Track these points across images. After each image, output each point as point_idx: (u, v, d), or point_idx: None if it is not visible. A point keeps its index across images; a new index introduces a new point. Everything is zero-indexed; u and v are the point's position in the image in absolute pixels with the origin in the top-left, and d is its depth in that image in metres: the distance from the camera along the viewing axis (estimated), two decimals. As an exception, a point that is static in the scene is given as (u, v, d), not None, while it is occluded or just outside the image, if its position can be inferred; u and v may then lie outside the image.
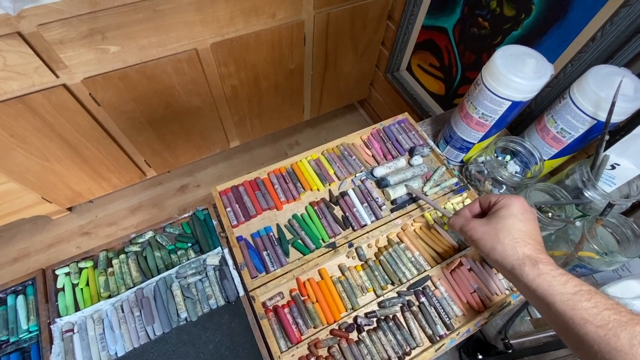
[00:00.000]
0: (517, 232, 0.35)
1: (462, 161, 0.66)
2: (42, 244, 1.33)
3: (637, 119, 0.52)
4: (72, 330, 0.46)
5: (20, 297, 0.48)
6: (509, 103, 0.49)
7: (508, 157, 0.61)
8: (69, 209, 1.39)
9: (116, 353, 0.45)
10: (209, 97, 1.17)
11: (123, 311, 0.47)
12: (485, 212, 0.42)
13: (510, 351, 0.46)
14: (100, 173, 1.23)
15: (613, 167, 0.52)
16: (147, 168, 1.34)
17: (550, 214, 0.51)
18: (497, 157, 0.60)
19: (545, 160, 0.57)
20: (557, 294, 0.30)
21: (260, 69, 1.17)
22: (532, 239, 0.35)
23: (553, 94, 0.76)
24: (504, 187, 0.58)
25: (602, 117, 0.47)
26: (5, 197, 1.13)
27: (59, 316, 0.46)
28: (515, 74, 0.46)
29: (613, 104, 0.44)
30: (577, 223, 0.44)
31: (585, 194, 0.52)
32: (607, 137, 0.48)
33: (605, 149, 0.51)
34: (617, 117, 0.47)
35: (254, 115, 1.37)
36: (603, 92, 0.46)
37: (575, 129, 0.51)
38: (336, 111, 1.73)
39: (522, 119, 0.82)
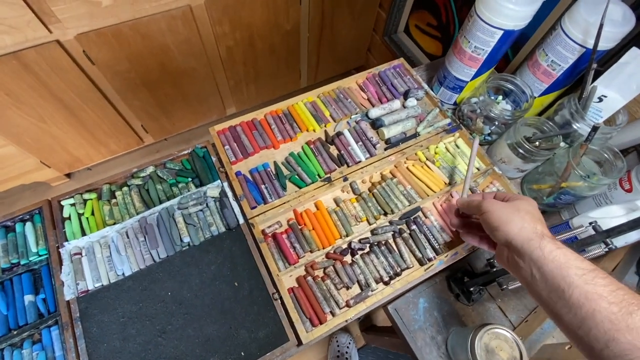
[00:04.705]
0: (535, 213, 0.38)
1: (455, 103, 0.67)
2: (43, 209, 1.35)
3: (624, 49, 0.53)
4: (80, 253, 0.48)
5: (29, 224, 0.50)
6: (501, 32, 0.50)
7: (500, 98, 0.62)
8: (68, 175, 1.40)
9: (123, 273, 0.48)
10: (204, 58, 1.16)
11: (128, 237, 0.50)
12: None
13: (494, 269, 0.49)
14: (98, 138, 1.23)
15: (600, 100, 0.53)
16: (144, 134, 1.34)
17: (537, 143, 0.53)
18: (489, 96, 0.61)
19: (535, 97, 0.58)
20: (573, 267, 0.31)
21: (256, 29, 1.16)
22: (545, 226, 0.37)
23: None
24: (495, 123, 0.60)
25: (591, 44, 0.48)
26: (5, 161, 1.14)
27: (67, 241, 0.49)
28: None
29: (601, 26, 0.45)
30: (562, 144, 0.46)
31: (574, 126, 0.53)
32: (594, 66, 0.49)
33: (593, 80, 0.52)
34: (606, 44, 0.48)
35: (250, 80, 1.36)
36: (592, 17, 0.47)
37: (565, 60, 0.52)
38: (332, 79, 1.71)
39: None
